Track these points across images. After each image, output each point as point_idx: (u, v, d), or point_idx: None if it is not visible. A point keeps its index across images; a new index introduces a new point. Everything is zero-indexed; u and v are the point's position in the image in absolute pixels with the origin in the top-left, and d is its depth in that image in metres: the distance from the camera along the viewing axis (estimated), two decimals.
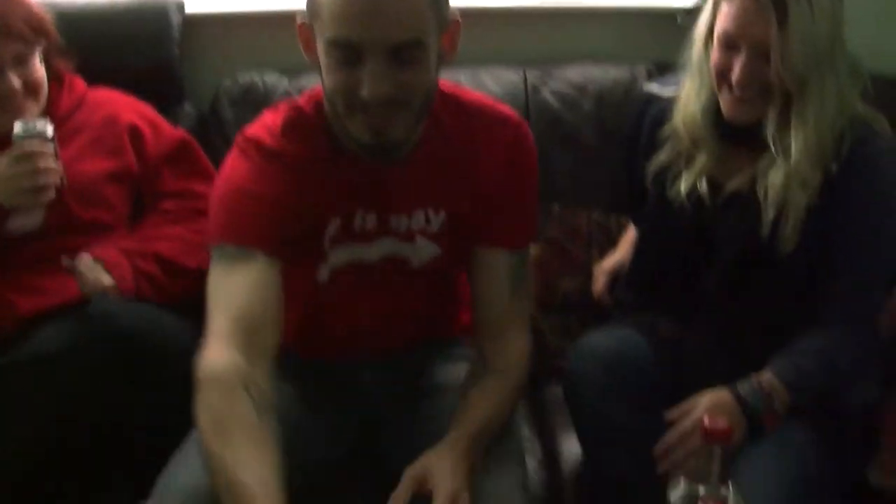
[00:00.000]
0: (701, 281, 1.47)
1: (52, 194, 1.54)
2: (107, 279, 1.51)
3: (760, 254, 1.40)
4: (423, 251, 1.38)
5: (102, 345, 1.41)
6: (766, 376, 1.35)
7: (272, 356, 1.24)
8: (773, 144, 1.38)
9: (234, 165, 1.33)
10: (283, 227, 1.29)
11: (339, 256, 1.37)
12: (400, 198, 1.35)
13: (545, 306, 1.84)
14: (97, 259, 1.54)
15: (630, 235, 1.74)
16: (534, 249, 1.58)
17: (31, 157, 1.51)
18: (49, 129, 1.54)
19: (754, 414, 1.32)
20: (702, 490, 0.98)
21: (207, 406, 1.17)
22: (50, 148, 1.54)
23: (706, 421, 0.95)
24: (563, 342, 1.78)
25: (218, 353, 1.20)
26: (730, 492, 0.99)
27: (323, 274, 1.37)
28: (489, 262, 1.39)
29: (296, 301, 1.35)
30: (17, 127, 1.53)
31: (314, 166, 1.32)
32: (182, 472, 1.26)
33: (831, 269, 1.39)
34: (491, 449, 1.29)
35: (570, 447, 1.58)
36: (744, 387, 1.34)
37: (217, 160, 1.45)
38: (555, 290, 1.84)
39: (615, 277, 1.72)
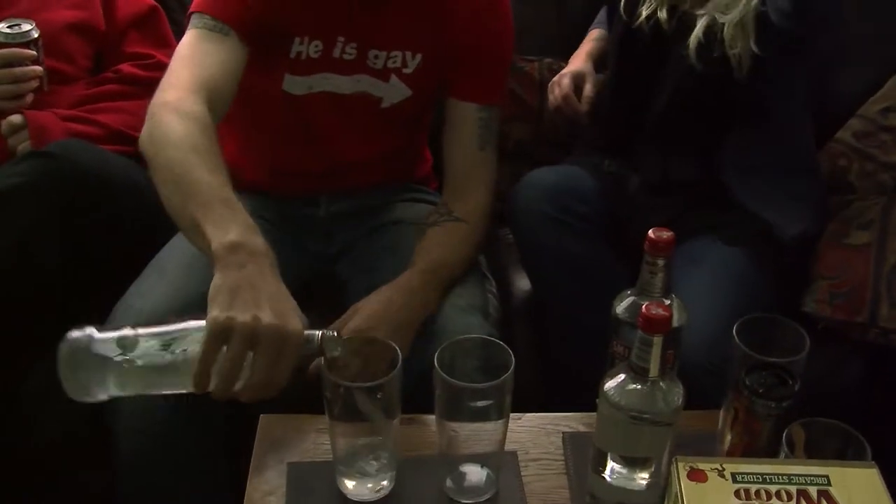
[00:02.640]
0: (650, 108, 1.51)
1: (29, 99, 1.53)
2: (23, 144, 1.51)
3: (707, 74, 1.43)
4: (395, 92, 1.43)
5: (57, 182, 1.40)
6: None
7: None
8: None
9: None
10: (260, 18, 1.32)
11: (318, 83, 1.40)
12: (381, 34, 1.39)
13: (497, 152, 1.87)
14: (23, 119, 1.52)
15: (585, 46, 1.76)
16: None
17: (10, 63, 1.49)
18: (34, 33, 1.52)
19: None
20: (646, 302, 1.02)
21: (176, 129, 1.18)
22: (33, 51, 1.52)
23: (651, 232, 0.99)
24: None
25: (184, 97, 1.22)
26: (672, 300, 1.04)
27: (293, 86, 1.40)
28: (459, 114, 1.44)
29: (267, 123, 1.42)
30: (1, 27, 1.50)
31: None
32: (139, 297, 1.30)
33: None
34: (455, 285, 1.35)
35: (520, 284, 1.66)
36: None
37: (179, 34, 1.43)
38: (506, 136, 1.85)
39: (576, 80, 1.69)
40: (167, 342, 1.03)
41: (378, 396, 1.00)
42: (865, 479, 0.86)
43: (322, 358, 1.03)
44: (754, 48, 1.37)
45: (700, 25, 1.40)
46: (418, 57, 1.41)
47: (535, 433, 1.17)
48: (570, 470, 1.11)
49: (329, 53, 1.39)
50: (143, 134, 1.21)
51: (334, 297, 1.46)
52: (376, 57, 1.40)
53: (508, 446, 1.12)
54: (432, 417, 1.08)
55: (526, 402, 1.25)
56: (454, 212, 1.41)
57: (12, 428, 1.47)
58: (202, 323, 1.02)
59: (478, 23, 1.40)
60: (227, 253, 1.05)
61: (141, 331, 1.05)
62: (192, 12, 1.33)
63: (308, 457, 1.12)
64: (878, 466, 0.88)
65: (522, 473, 1.11)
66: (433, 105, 1.52)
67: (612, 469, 0.96)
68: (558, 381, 1.50)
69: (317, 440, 1.14)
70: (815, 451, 0.94)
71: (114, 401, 1.24)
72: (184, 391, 1.07)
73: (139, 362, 1.03)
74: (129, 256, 1.45)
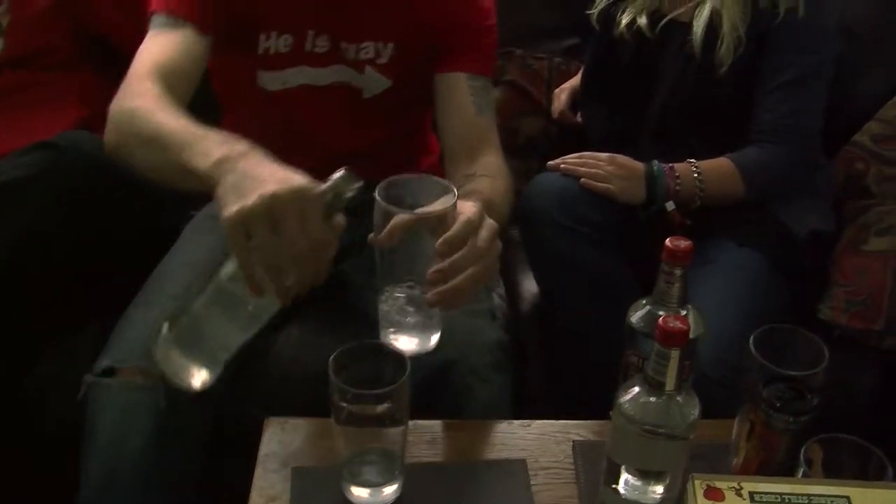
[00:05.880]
0: (647, 113, 1.53)
1: None
2: None
3: (699, 77, 1.45)
4: (374, 83, 1.40)
5: (63, 173, 1.40)
6: (682, 164, 1.45)
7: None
8: None
9: None
10: (218, 11, 1.29)
11: (293, 77, 1.38)
12: (350, 25, 1.36)
13: (506, 149, 1.84)
14: None
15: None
16: (495, 93, 1.58)
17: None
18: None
19: (657, 184, 1.44)
20: (662, 312, 1.00)
21: (132, 106, 1.17)
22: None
23: (668, 241, 0.97)
24: (523, 185, 1.79)
25: (135, 82, 1.21)
26: (689, 310, 1.01)
27: (267, 81, 1.38)
28: (447, 85, 1.39)
29: (250, 123, 1.35)
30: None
31: None
32: (132, 329, 1.27)
33: (764, 90, 1.45)
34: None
35: (529, 284, 1.63)
36: (655, 163, 1.45)
37: None
38: (516, 132, 1.83)
39: (574, 96, 1.78)
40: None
41: (387, 403, 0.98)
42: (888, 500, 0.84)
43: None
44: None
45: (705, 13, 1.44)
46: (390, 46, 1.38)
47: (545, 441, 1.14)
48: (580, 480, 1.09)
49: (301, 47, 1.36)
50: (106, 136, 1.20)
51: (339, 297, 1.44)
52: (347, 49, 1.38)
53: (517, 454, 1.11)
54: (440, 423, 1.05)
55: (535, 408, 1.22)
56: (472, 173, 1.31)
57: (20, 413, 1.47)
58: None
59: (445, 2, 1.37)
60: (217, 168, 1.03)
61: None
62: (150, 16, 1.30)
63: (313, 462, 1.10)
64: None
65: (532, 482, 1.08)
66: (424, 94, 1.45)
67: (626, 482, 0.94)
68: (567, 388, 1.48)
69: (322, 445, 1.11)
70: (833, 469, 0.92)
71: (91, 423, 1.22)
72: (245, 336, 1.05)
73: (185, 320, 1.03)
74: (133, 247, 1.44)
